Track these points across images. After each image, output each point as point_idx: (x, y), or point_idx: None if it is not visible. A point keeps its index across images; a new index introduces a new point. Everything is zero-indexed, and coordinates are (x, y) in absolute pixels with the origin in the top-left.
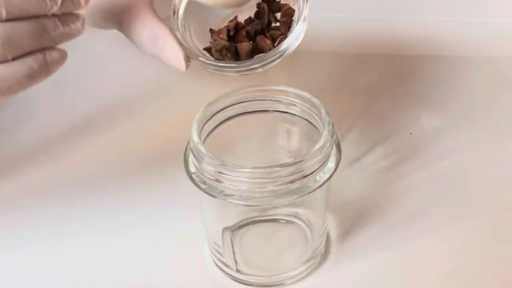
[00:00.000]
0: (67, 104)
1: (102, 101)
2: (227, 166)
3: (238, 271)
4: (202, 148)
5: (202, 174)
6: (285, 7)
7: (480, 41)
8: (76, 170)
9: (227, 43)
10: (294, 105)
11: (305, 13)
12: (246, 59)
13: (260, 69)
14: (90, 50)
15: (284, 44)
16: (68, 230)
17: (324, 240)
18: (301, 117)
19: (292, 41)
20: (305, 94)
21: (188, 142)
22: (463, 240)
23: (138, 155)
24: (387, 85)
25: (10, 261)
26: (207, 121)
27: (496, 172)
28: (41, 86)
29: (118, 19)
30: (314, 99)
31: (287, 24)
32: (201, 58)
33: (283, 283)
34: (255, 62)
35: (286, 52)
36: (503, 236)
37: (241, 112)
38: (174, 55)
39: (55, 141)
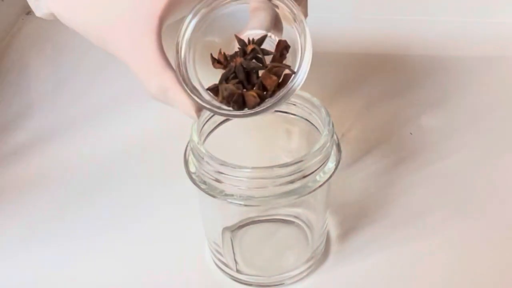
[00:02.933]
0: (66, 104)
1: (101, 100)
2: (227, 166)
3: (238, 271)
4: (202, 148)
5: (202, 174)
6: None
7: (480, 41)
8: (75, 170)
9: (235, 90)
10: (294, 105)
11: (308, 44)
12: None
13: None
14: (90, 49)
15: (296, 83)
16: (67, 229)
17: (324, 240)
18: (301, 117)
19: (301, 80)
20: (305, 94)
21: (188, 142)
22: (463, 239)
23: (138, 155)
24: (387, 85)
25: (7, 259)
26: (207, 121)
27: (496, 172)
28: (40, 85)
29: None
30: (314, 99)
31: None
32: (213, 109)
33: (283, 283)
34: (266, 110)
35: (296, 91)
36: (503, 236)
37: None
38: (185, 108)
39: (55, 142)
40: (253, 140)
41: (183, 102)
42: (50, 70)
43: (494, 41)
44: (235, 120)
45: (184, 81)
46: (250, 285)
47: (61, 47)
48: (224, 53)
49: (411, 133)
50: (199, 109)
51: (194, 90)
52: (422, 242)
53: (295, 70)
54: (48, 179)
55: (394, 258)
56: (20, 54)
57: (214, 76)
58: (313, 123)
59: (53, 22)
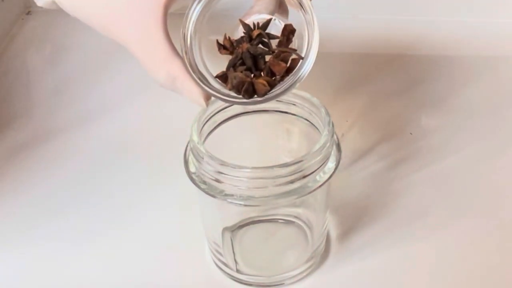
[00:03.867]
0: (66, 104)
1: (101, 100)
2: (227, 166)
3: (238, 271)
4: (202, 148)
5: (202, 174)
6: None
7: (480, 41)
8: (74, 170)
9: (244, 78)
10: (294, 105)
11: (315, 29)
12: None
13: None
14: (90, 49)
15: (302, 71)
16: (67, 230)
17: (324, 240)
18: (301, 117)
19: (310, 66)
20: (305, 94)
21: (188, 142)
22: (463, 239)
23: (138, 155)
24: (387, 85)
25: (6, 259)
26: (207, 121)
27: (495, 172)
28: (40, 85)
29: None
30: (314, 99)
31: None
32: (221, 97)
33: (283, 283)
34: (275, 97)
35: (305, 77)
36: (503, 235)
37: (241, 112)
38: (194, 95)
39: (54, 141)
40: (253, 140)
41: (191, 90)
42: (50, 70)
43: (494, 41)
44: (235, 120)
45: (192, 69)
46: (250, 285)
47: (61, 47)
48: (230, 38)
49: (411, 133)
50: (208, 97)
51: (202, 77)
52: (422, 242)
53: (303, 55)
54: (47, 179)
55: (394, 258)
56: (20, 54)
57: (221, 62)
58: (313, 123)
59: (53, 22)
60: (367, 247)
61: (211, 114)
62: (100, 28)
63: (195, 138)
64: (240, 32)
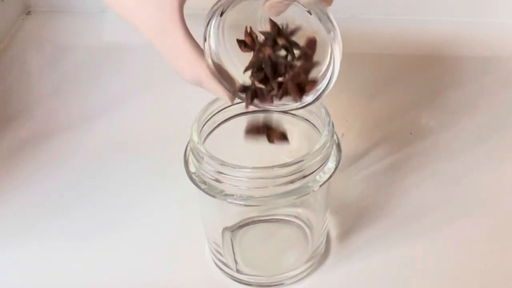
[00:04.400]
0: (65, 104)
1: (100, 101)
2: (227, 166)
3: (238, 271)
4: (202, 148)
5: (202, 174)
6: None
7: (480, 41)
8: (74, 170)
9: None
10: None
11: (339, 48)
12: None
13: None
14: (90, 49)
15: (325, 92)
16: (67, 229)
17: (324, 240)
18: (301, 117)
19: (328, 89)
20: None
21: (188, 142)
22: (462, 240)
23: (138, 155)
24: (387, 85)
25: (6, 259)
26: (207, 121)
27: (495, 172)
28: (40, 85)
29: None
30: None
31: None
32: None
33: (283, 283)
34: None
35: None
36: (503, 236)
37: (241, 112)
38: (220, 95)
39: (54, 141)
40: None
41: (217, 90)
42: (50, 70)
43: (494, 41)
44: (235, 120)
45: (219, 72)
46: (250, 285)
47: (61, 47)
48: (251, 34)
49: (411, 133)
50: (233, 96)
51: (228, 80)
52: (422, 242)
53: (323, 74)
54: (47, 179)
55: (394, 258)
56: (20, 54)
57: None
58: (313, 123)
59: (53, 22)
60: (367, 247)
61: (211, 114)
62: (121, 17)
63: (195, 138)
64: (262, 21)
